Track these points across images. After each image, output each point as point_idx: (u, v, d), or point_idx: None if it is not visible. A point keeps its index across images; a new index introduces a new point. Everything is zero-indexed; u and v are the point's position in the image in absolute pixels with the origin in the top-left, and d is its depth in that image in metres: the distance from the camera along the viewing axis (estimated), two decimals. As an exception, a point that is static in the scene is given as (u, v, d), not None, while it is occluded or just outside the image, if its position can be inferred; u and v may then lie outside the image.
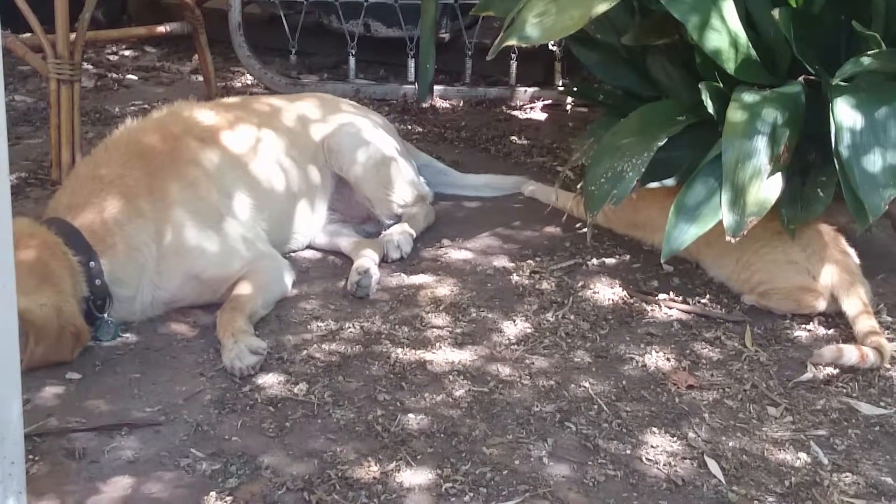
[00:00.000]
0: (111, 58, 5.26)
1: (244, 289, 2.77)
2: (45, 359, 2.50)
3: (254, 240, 2.92)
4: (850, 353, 2.62)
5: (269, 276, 2.88)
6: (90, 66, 5.00)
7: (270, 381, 2.52)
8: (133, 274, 2.70)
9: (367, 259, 3.04)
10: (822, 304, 2.86)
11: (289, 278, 2.95)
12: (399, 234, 3.20)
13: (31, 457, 2.18)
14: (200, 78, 4.63)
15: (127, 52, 5.36)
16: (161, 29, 4.32)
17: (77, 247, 2.61)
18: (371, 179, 3.27)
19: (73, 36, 3.53)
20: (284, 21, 4.86)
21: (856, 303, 2.76)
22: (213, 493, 2.11)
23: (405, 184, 3.33)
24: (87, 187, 2.76)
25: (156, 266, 2.73)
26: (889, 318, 2.88)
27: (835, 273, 2.82)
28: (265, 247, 2.95)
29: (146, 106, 4.44)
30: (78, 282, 2.59)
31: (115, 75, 4.97)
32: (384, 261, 3.13)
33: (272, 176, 3.09)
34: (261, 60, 4.85)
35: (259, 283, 2.81)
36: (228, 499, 2.10)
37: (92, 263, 2.61)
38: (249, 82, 4.88)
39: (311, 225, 3.23)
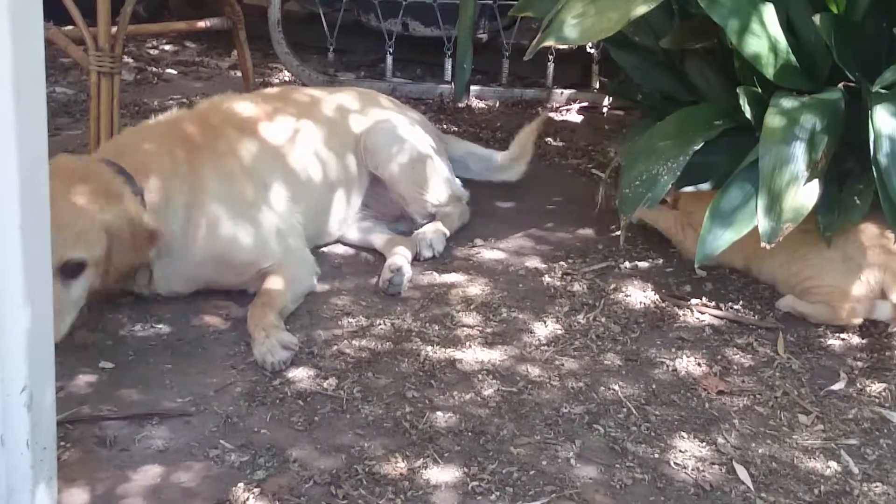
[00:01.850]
0: (151, 52, 5.31)
1: (275, 283, 2.79)
2: (126, 263, 2.61)
3: (287, 232, 2.94)
4: (884, 309, 2.66)
5: (299, 271, 2.89)
6: (130, 60, 5.05)
7: (300, 375, 2.53)
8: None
9: (400, 257, 3.05)
10: (858, 317, 2.83)
11: (314, 274, 2.97)
12: (432, 233, 3.20)
13: (62, 443, 2.21)
14: (239, 73, 4.67)
15: (167, 47, 5.42)
16: (201, 24, 4.34)
17: (128, 178, 2.69)
18: (405, 178, 3.28)
19: (114, 29, 3.56)
20: (323, 18, 4.88)
21: None
22: (241, 485, 2.12)
23: (440, 183, 3.33)
24: (130, 147, 2.83)
25: (182, 238, 2.76)
26: (925, 329, 2.85)
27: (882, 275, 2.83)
28: (295, 241, 2.97)
29: (185, 100, 4.48)
30: (136, 201, 2.66)
31: (154, 69, 5.02)
32: (416, 259, 3.14)
33: (309, 168, 3.11)
34: (299, 57, 4.87)
35: (289, 277, 2.83)
36: (256, 490, 2.11)
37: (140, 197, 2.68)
38: (287, 78, 4.91)
39: (345, 219, 3.24)
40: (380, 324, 2.79)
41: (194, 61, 5.20)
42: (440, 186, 3.33)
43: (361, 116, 3.33)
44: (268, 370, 2.54)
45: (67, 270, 2.46)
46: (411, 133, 3.35)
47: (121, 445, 2.24)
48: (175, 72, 5.03)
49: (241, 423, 2.34)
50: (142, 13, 5.22)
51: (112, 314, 2.76)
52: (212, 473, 2.17)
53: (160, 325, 2.73)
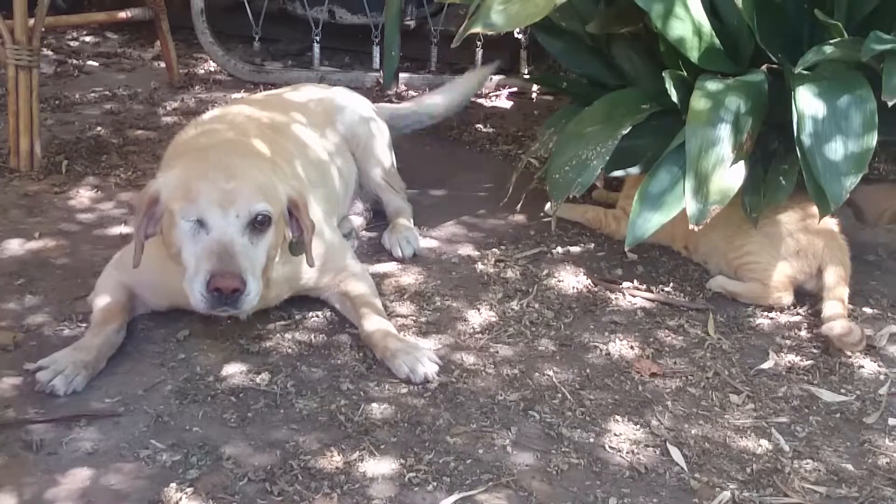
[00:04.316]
0: (71, 44, 5.19)
1: (357, 288, 2.77)
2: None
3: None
4: (857, 331, 2.69)
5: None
6: (50, 52, 4.93)
7: (232, 370, 2.50)
8: None
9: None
10: (788, 298, 2.88)
11: None
12: (406, 230, 3.20)
13: (-13, 449, 2.15)
14: (163, 64, 4.59)
15: (87, 38, 5.29)
16: (122, 14, 4.27)
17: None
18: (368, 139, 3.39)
19: (31, 21, 3.47)
20: (248, 7, 4.81)
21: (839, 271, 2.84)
22: (173, 485, 2.09)
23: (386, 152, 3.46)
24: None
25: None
26: (850, 306, 2.90)
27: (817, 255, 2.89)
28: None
29: (107, 93, 4.39)
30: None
31: (75, 61, 4.90)
32: (402, 260, 3.12)
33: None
34: (224, 47, 4.80)
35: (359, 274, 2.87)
36: (189, 490, 2.08)
37: None
38: (212, 69, 4.83)
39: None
40: (313, 316, 2.76)
41: (116, 53, 5.08)
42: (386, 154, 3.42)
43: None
44: (417, 381, 2.48)
45: (255, 224, 2.40)
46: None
47: (48, 449, 2.19)
48: (97, 64, 4.91)
49: (173, 422, 2.29)
50: (61, 4, 5.10)
51: (35, 314, 2.69)
52: (143, 474, 2.12)
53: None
